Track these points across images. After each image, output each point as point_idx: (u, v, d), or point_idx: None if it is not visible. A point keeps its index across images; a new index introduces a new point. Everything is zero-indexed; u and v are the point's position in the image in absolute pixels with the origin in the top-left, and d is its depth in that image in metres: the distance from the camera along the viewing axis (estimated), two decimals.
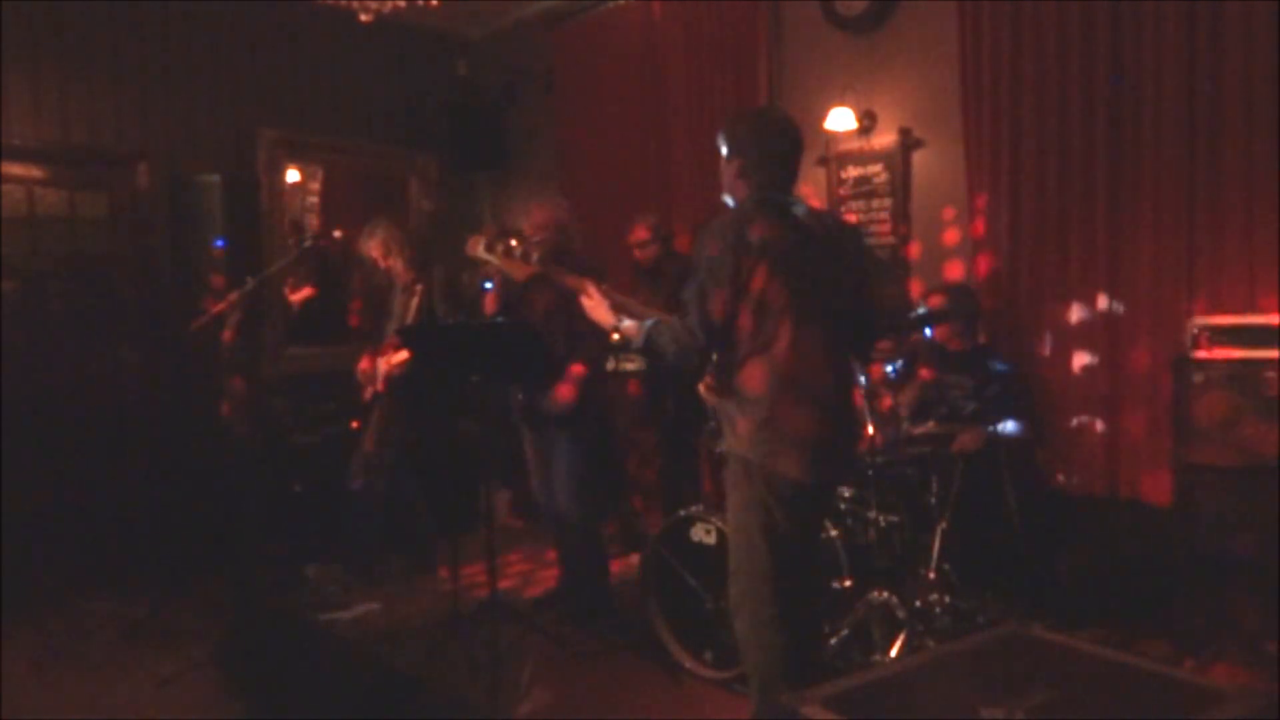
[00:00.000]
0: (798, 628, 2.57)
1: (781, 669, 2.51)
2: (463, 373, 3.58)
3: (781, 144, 2.61)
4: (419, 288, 4.53)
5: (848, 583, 3.35)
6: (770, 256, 2.43)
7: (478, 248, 2.91)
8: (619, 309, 2.75)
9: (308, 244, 5.14)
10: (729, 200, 2.70)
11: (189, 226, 5.10)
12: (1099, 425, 3.85)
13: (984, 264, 4.16)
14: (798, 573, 2.57)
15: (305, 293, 6.00)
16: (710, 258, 2.46)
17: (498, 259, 3.03)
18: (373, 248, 4.64)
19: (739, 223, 2.48)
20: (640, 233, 4.86)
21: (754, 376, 2.47)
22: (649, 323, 2.61)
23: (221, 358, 4.04)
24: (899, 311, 2.73)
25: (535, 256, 2.80)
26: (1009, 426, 3.63)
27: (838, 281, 2.57)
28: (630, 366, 4.99)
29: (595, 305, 2.77)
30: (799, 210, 2.59)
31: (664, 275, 4.75)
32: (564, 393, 3.77)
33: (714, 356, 2.57)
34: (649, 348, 2.59)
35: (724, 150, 2.65)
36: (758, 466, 2.48)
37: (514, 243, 2.92)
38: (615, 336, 2.79)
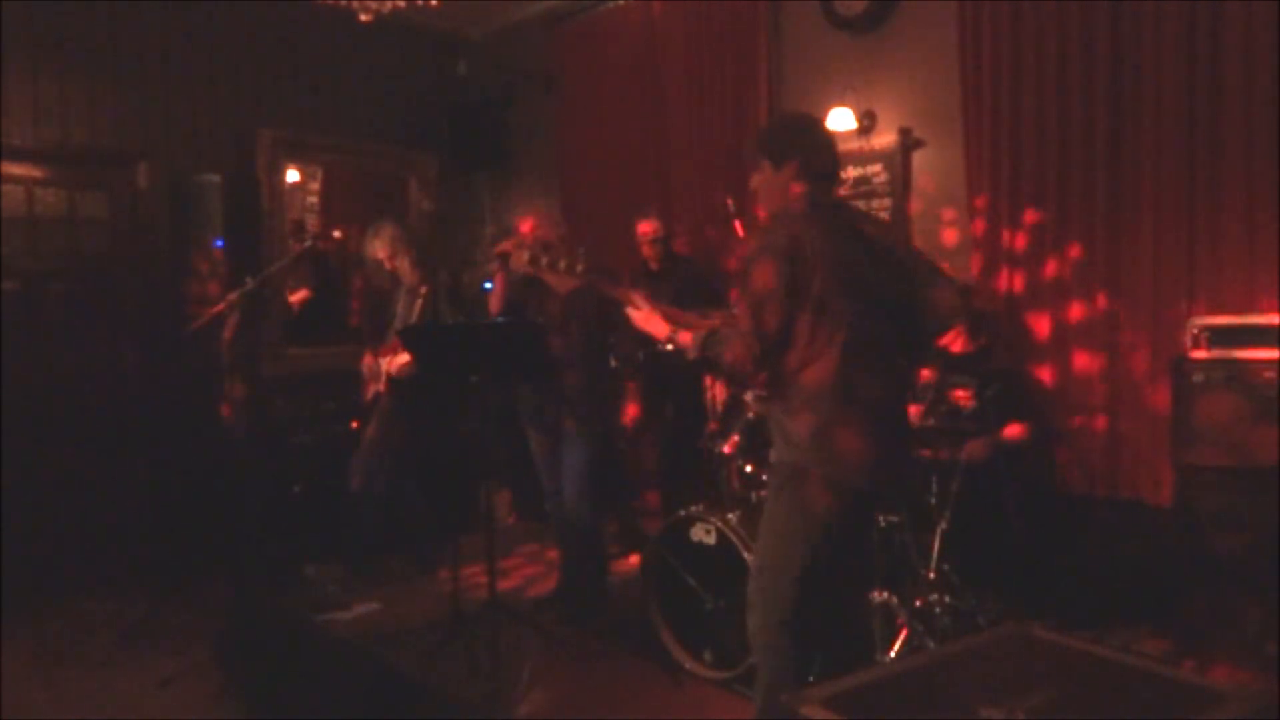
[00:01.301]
0: (812, 636, 2.54)
1: (789, 674, 2.49)
2: (463, 373, 3.59)
3: (827, 149, 2.59)
4: (424, 290, 4.53)
5: None
6: (826, 263, 2.40)
7: (522, 259, 2.89)
8: (668, 319, 2.70)
9: (307, 244, 5.14)
10: (767, 207, 2.66)
11: (189, 226, 5.10)
12: (1099, 425, 3.85)
13: (983, 264, 4.16)
14: (827, 582, 2.53)
15: (302, 294, 6.00)
16: (765, 265, 2.42)
17: (543, 271, 2.99)
18: (379, 248, 4.64)
19: (793, 229, 2.44)
20: (648, 227, 4.83)
21: (809, 383, 2.43)
22: (704, 333, 2.56)
23: (221, 358, 4.04)
24: (952, 314, 2.68)
25: (580, 269, 2.77)
26: (1013, 431, 3.64)
27: (890, 286, 2.53)
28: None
29: (646, 317, 2.72)
30: (848, 215, 2.57)
31: (667, 276, 4.75)
32: (632, 412, 3.87)
33: (768, 364, 2.51)
34: (705, 356, 2.54)
35: (767, 158, 2.60)
36: (812, 474, 2.44)
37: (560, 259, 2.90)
38: (669, 347, 2.73)
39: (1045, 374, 3.99)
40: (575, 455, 3.95)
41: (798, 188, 2.55)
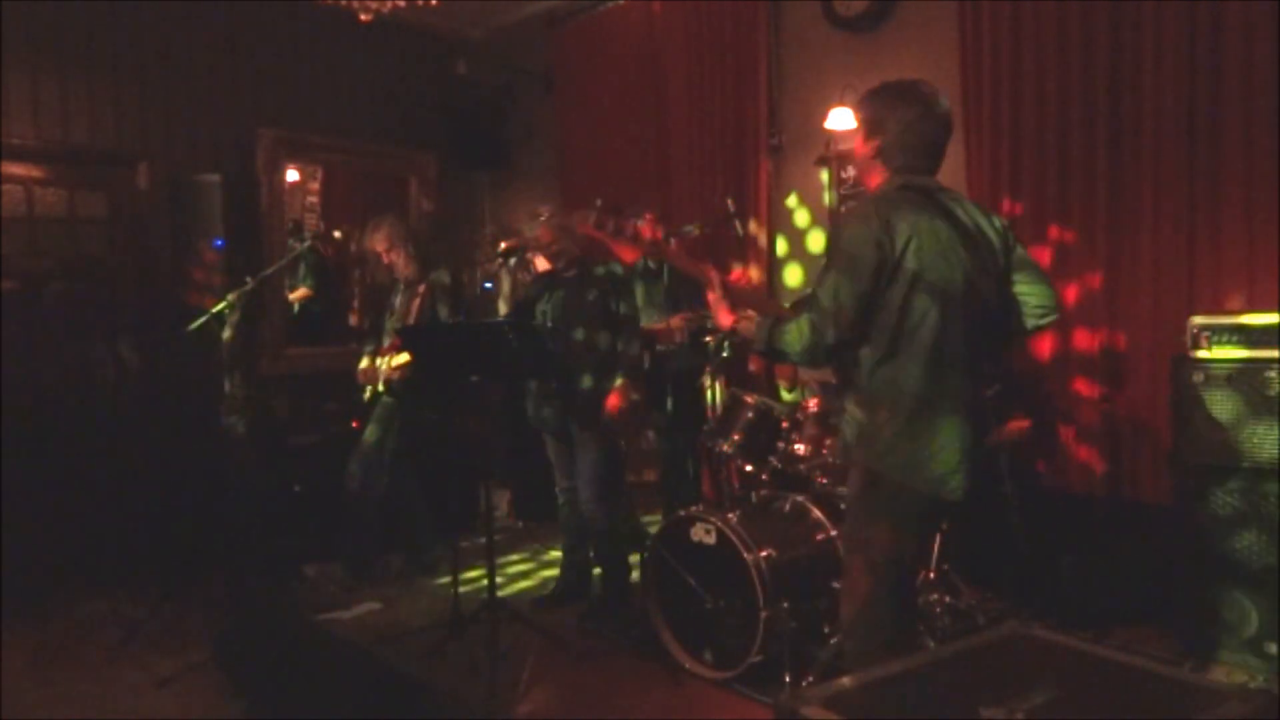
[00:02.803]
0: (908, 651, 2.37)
1: (878, 646, 2.30)
2: (463, 373, 3.59)
3: (927, 123, 2.33)
4: (422, 287, 4.53)
5: None
6: (916, 251, 2.20)
7: (587, 223, 2.68)
8: (737, 303, 2.51)
9: (306, 244, 5.14)
10: (859, 179, 2.50)
11: (189, 226, 5.10)
12: (1099, 425, 3.85)
13: None
14: (913, 594, 2.39)
15: (301, 294, 6.00)
16: (849, 247, 2.22)
17: (608, 236, 2.77)
18: (377, 241, 4.64)
19: (881, 210, 2.24)
20: (645, 228, 4.84)
21: (893, 379, 2.24)
22: (769, 321, 2.36)
23: (221, 358, 4.04)
24: (1046, 315, 2.49)
25: (650, 237, 2.60)
26: (1018, 424, 3.64)
27: (981, 279, 2.32)
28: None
29: (717, 300, 2.51)
30: (944, 198, 2.34)
31: (665, 276, 4.74)
32: (613, 403, 3.86)
33: (843, 352, 2.32)
34: (770, 347, 2.34)
35: (859, 128, 2.41)
36: (891, 479, 2.25)
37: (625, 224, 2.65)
38: (704, 335, 2.63)
39: (1045, 373, 3.99)
40: (587, 457, 3.97)
41: (880, 164, 2.37)
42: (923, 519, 2.32)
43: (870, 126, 2.38)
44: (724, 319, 2.50)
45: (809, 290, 2.34)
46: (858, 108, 2.45)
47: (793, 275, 5.06)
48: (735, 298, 2.53)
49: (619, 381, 3.90)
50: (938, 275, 2.23)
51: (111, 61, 5.07)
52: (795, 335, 2.27)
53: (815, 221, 4.95)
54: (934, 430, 2.23)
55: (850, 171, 4.70)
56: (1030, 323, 2.44)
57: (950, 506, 2.30)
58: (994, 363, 2.64)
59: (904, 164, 2.34)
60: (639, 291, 4.92)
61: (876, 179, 2.39)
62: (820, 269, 2.31)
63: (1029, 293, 2.41)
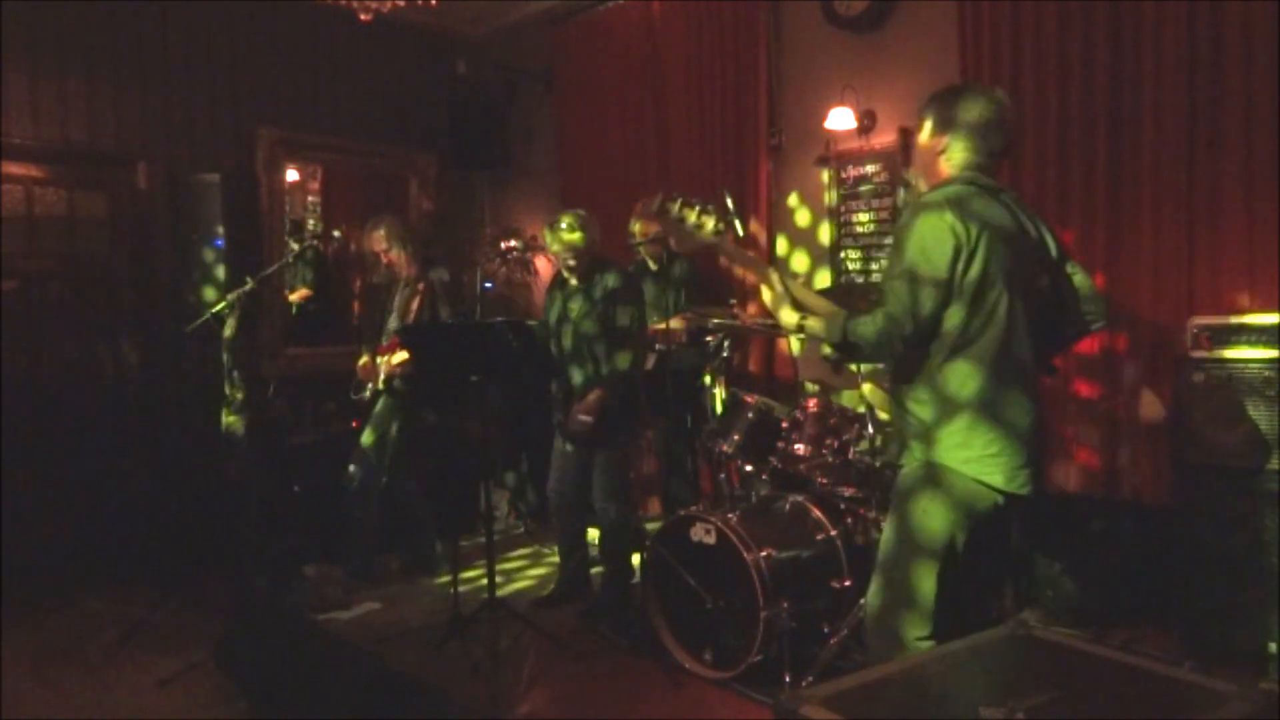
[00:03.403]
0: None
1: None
2: (463, 373, 3.59)
3: (996, 126, 2.35)
4: (421, 286, 4.53)
5: (848, 583, 3.35)
6: (989, 244, 2.22)
7: (650, 207, 2.51)
8: (798, 303, 2.44)
9: (306, 244, 5.14)
10: (923, 173, 2.45)
11: (188, 226, 5.10)
12: (1099, 425, 3.85)
13: None
14: (963, 594, 2.35)
15: (301, 294, 6.00)
16: (926, 241, 2.22)
17: (673, 226, 2.51)
18: (377, 241, 4.64)
19: (955, 205, 2.24)
20: (645, 229, 4.84)
21: (963, 374, 2.24)
22: (842, 316, 2.32)
23: (221, 358, 4.04)
24: (1095, 320, 2.43)
25: (710, 228, 2.42)
26: None
27: (1040, 278, 2.36)
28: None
29: (778, 299, 2.48)
30: (1007, 198, 2.38)
31: (666, 276, 4.74)
32: (581, 409, 3.90)
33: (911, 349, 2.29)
34: (845, 342, 2.29)
35: (929, 126, 2.42)
36: (959, 475, 2.24)
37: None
38: (801, 335, 2.49)
39: (1045, 373, 3.98)
40: (603, 458, 4.00)
41: (950, 162, 2.37)
42: (992, 515, 2.28)
43: (942, 123, 2.39)
44: (787, 317, 2.44)
45: (886, 282, 2.29)
46: (930, 103, 2.45)
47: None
48: (795, 296, 2.49)
49: (595, 393, 3.92)
50: (1007, 273, 2.24)
51: (111, 61, 5.07)
52: (871, 330, 2.24)
53: (816, 221, 4.95)
54: (1003, 424, 2.24)
55: (850, 171, 4.71)
56: (1079, 330, 2.48)
57: (1019, 500, 2.29)
58: (1046, 367, 2.62)
59: (972, 162, 2.35)
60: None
61: (943, 175, 2.39)
62: (892, 263, 2.29)
63: (1083, 302, 2.46)
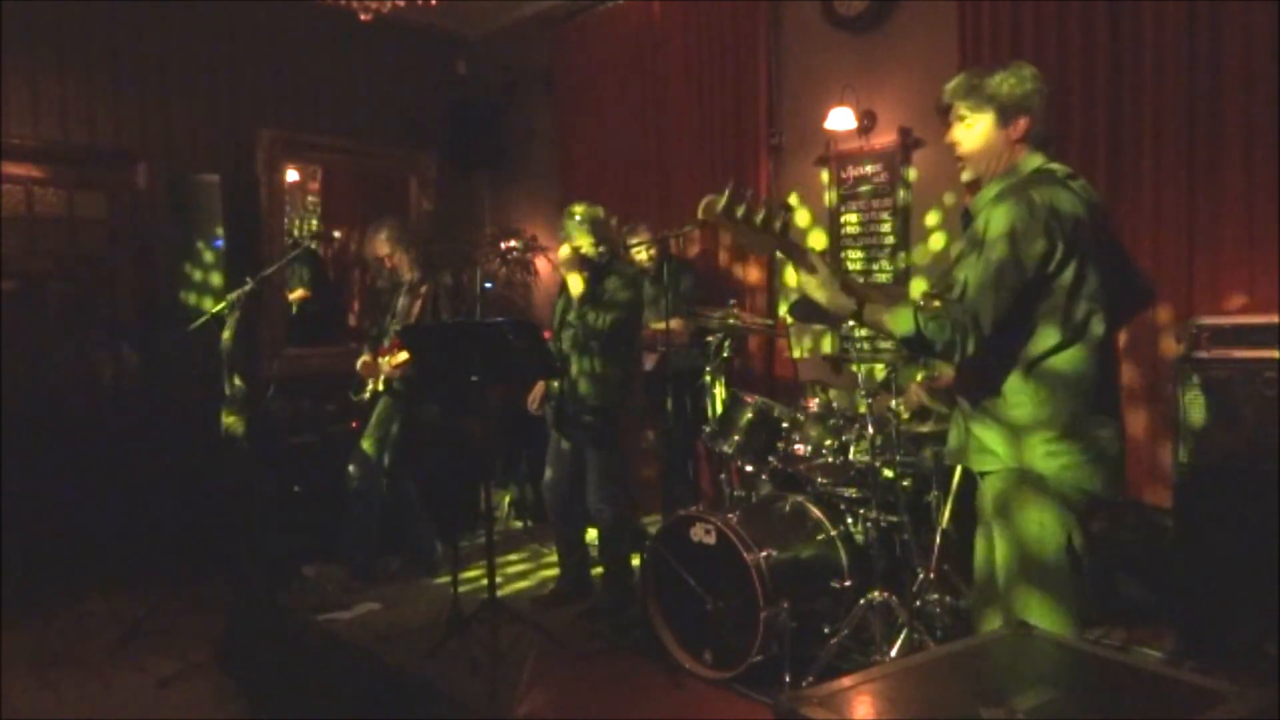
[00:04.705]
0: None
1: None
2: (463, 373, 3.59)
3: (1050, 105, 2.24)
4: (424, 289, 4.53)
5: (848, 583, 3.35)
6: (1078, 234, 2.09)
7: (716, 208, 2.24)
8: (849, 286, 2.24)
9: (306, 244, 5.13)
10: (982, 169, 2.28)
11: (188, 226, 5.10)
12: None
13: None
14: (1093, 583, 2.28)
15: (299, 295, 6.00)
16: (1015, 232, 2.06)
17: (732, 223, 2.29)
18: (378, 246, 4.64)
19: (1044, 195, 2.09)
20: (639, 240, 4.92)
21: (1057, 377, 2.12)
22: (910, 308, 2.13)
23: (221, 358, 4.04)
24: (1148, 304, 2.44)
25: (776, 225, 2.27)
26: None
27: (1117, 264, 2.24)
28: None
29: (827, 283, 2.21)
30: (1076, 185, 2.21)
31: (666, 277, 4.74)
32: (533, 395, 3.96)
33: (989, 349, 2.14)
34: (916, 338, 2.11)
35: (993, 114, 2.22)
36: (1054, 480, 2.12)
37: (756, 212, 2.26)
38: (850, 324, 2.28)
39: None
40: (594, 457, 3.99)
41: (1023, 147, 2.23)
42: (1084, 516, 2.18)
43: (1016, 107, 2.21)
44: (843, 306, 2.18)
45: (959, 276, 2.15)
46: (978, 89, 2.23)
47: (792, 275, 5.05)
48: (850, 286, 2.28)
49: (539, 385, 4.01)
50: (1095, 262, 2.13)
51: (111, 61, 5.06)
52: (948, 326, 2.07)
53: (816, 221, 4.95)
54: (1101, 424, 2.15)
55: (850, 171, 4.70)
56: (1132, 315, 2.46)
57: (1111, 503, 2.25)
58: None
59: (1043, 145, 2.24)
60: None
61: (1014, 160, 2.24)
62: (969, 256, 2.15)
63: (1141, 285, 2.42)
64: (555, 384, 4.11)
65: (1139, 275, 2.46)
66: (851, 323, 2.22)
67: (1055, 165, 2.24)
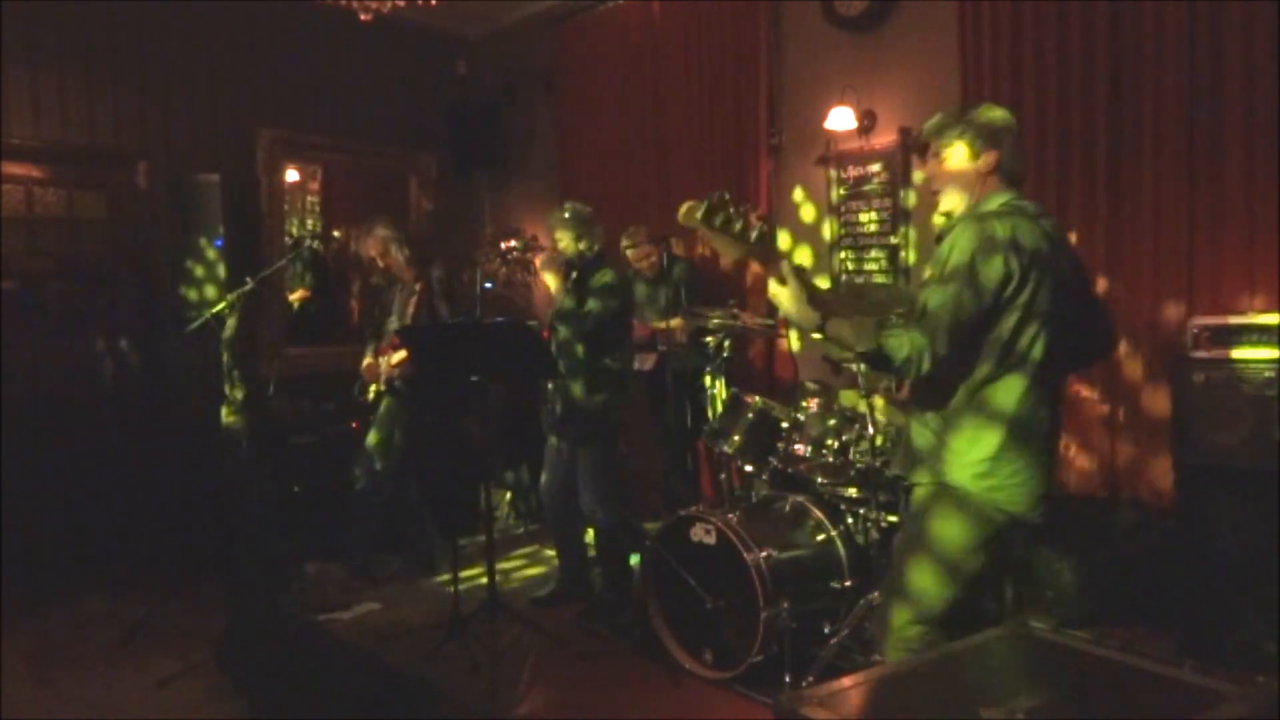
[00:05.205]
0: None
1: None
2: (463, 373, 3.58)
3: (1018, 142, 2.32)
4: (419, 287, 4.53)
5: (848, 583, 3.35)
6: (1036, 269, 2.17)
7: (695, 215, 2.26)
8: (817, 299, 2.26)
9: (305, 244, 5.13)
10: (953, 202, 2.35)
11: (189, 226, 5.10)
12: (1099, 425, 3.85)
13: None
14: (969, 610, 2.34)
15: (300, 294, 6.00)
16: (976, 261, 2.14)
17: (712, 230, 2.27)
18: (371, 246, 4.65)
19: (1006, 227, 2.17)
20: (639, 250, 4.94)
21: (995, 400, 2.21)
22: (872, 325, 2.18)
23: (221, 358, 4.04)
24: (1114, 344, 2.46)
25: (753, 235, 2.21)
26: None
27: (1070, 302, 2.29)
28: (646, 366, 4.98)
29: (795, 295, 2.22)
30: (1047, 223, 2.29)
31: (664, 278, 4.75)
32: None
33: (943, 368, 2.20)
34: (876, 354, 2.16)
35: (966, 145, 2.30)
36: (979, 499, 2.22)
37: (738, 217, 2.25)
38: (816, 336, 2.29)
39: None
40: (587, 459, 3.97)
41: (995, 180, 2.30)
42: (999, 536, 2.28)
43: (987, 139, 2.30)
44: (806, 316, 2.22)
45: (923, 293, 2.21)
46: (955, 124, 2.33)
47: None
48: (816, 299, 2.30)
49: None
50: (1048, 297, 2.20)
51: (111, 61, 5.06)
52: (906, 343, 2.12)
53: (817, 221, 4.95)
54: (1031, 453, 2.23)
55: (850, 171, 4.70)
56: (1103, 352, 2.54)
57: (1026, 527, 2.31)
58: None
59: (1012, 180, 2.32)
60: (640, 291, 4.94)
61: (984, 193, 2.31)
62: (933, 280, 2.21)
63: (1105, 321, 2.49)
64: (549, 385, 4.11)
65: (1103, 321, 2.53)
66: (816, 335, 2.28)
67: (1026, 202, 2.30)
